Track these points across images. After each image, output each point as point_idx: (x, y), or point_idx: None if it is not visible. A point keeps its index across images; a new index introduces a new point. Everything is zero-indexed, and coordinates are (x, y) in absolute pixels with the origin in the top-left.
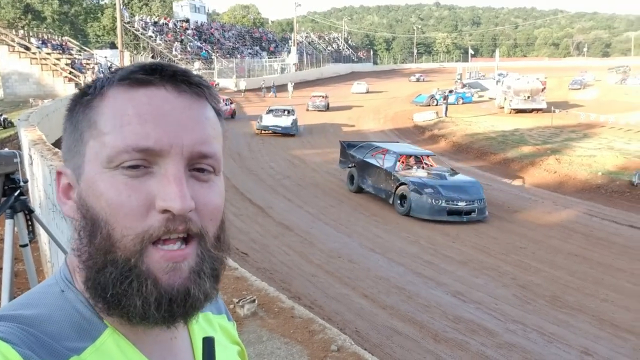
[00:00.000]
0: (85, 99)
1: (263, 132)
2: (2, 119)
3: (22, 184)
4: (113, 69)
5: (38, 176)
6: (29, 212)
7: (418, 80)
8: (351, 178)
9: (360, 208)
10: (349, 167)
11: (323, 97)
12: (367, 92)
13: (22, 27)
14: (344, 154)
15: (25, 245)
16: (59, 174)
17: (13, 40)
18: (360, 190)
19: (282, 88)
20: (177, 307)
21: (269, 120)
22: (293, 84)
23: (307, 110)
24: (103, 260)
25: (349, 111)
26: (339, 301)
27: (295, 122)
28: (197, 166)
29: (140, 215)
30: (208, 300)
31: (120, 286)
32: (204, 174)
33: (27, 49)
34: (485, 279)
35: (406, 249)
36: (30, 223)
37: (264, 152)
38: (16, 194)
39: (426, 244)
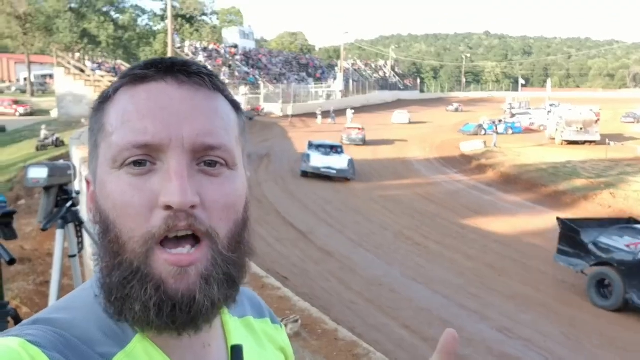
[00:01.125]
0: (97, 103)
1: (311, 174)
2: (54, 138)
3: (74, 195)
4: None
5: (84, 205)
6: (79, 223)
7: (457, 110)
8: (601, 285)
9: (402, 236)
10: (592, 266)
11: (359, 129)
12: (410, 122)
13: (78, 51)
14: (572, 242)
15: (74, 256)
16: (87, 182)
17: (69, 63)
18: (624, 308)
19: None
20: (181, 313)
21: (318, 161)
22: (353, 111)
23: (341, 143)
24: (113, 263)
25: (390, 146)
26: (379, 330)
27: (351, 162)
28: (206, 159)
29: (145, 216)
30: (217, 308)
31: (123, 290)
32: (215, 168)
33: (82, 71)
34: (533, 315)
35: (450, 280)
36: (80, 234)
37: (308, 177)
38: (68, 204)
39: (471, 275)
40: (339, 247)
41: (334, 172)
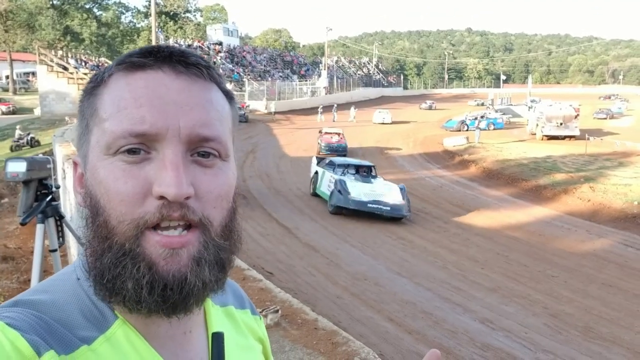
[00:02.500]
0: (90, 87)
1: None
2: (29, 138)
3: (54, 189)
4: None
5: (70, 190)
6: (59, 218)
7: (430, 107)
8: None
9: (386, 231)
10: None
11: (339, 134)
12: (392, 122)
13: (61, 48)
14: None
15: (54, 250)
16: (75, 164)
17: (52, 61)
18: None
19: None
20: (172, 292)
21: (361, 192)
22: (356, 108)
23: (319, 153)
24: (102, 247)
25: (384, 159)
26: (364, 324)
27: (405, 193)
28: (200, 150)
29: (136, 202)
30: (209, 289)
31: (115, 270)
32: (208, 159)
33: (65, 69)
34: (515, 307)
35: (433, 274)
36: (60, 229)
37: (292, 173)
38: (48, 199)
39: (454, 269)
40: (324, 243)
41: (387, 209)
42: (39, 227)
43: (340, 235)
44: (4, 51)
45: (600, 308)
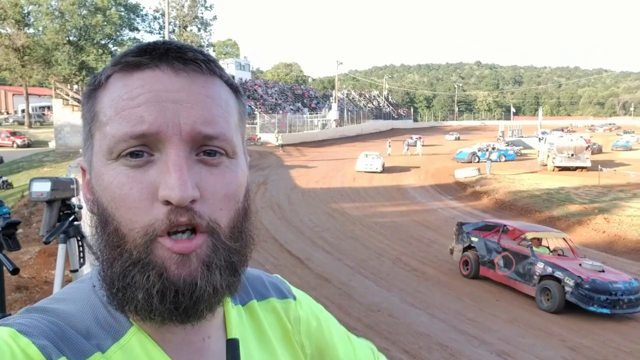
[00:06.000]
0: (89, 90)
1: None
2: (1, 181)
3: (76, 209)
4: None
5: (86, 218)
6: (81, 238)
7: (414, 144)
8: None
9: (399, 262)
10: None
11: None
12: (384, 170)
13: (77, 83)
14: None
15: (75, 271)
16: (83, 170)
17: (67, 95)
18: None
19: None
20: (183, 298)
21: None
22: (422, 140)
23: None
24: (113, 255)
25: None
26: None
27: None
28: (205, 149)
29: (145, 208)
30: (220, 295)
31: (124, 280)
32: (214, 158)
33: (80, 102)
34: (533, 339)
35: (448, 305)
36: (82, 249)
37: (303, 205)
38: (71, 219)
39: (469, 300)
40: (337, 274)
41: None
42: (61, 247)
43: (353, 266)
44: (21, 86)
45: (619, 341)
